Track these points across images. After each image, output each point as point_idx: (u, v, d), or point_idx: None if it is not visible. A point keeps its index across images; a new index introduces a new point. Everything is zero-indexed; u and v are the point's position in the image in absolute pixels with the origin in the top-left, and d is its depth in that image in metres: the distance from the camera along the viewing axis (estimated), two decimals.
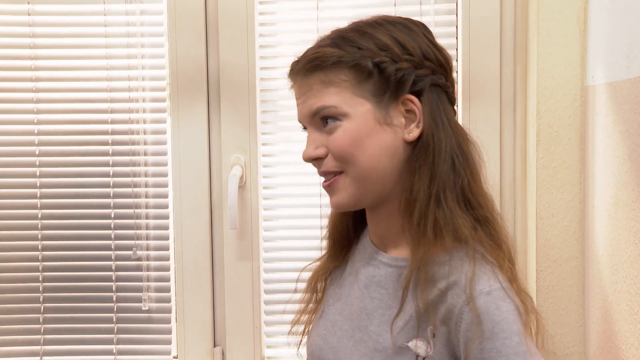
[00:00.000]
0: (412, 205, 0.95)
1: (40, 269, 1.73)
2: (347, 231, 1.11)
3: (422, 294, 0.93)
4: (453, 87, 1.01)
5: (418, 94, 0.96)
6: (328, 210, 1.65)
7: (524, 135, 1.61)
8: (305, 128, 1.03)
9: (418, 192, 0.95)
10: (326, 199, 1.65)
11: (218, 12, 1.69)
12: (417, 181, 0.95)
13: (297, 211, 1.70)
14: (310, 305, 1.13)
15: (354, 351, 0.99)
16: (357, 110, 0.95)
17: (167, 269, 1.73)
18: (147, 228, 1.73)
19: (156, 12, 1.71)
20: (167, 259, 1.73)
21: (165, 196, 1.72)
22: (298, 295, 1.68)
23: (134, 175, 1.72)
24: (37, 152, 1.73)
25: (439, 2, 1.64)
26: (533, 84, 1.52)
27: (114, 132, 1.72)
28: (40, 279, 1.74)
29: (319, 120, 0.98)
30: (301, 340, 1.14)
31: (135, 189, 1.72)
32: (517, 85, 1.63)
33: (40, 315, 1.74)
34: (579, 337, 1.48)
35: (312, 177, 1.68)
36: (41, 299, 1.74)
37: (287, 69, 1.03)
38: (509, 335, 0.88)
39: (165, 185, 1.72)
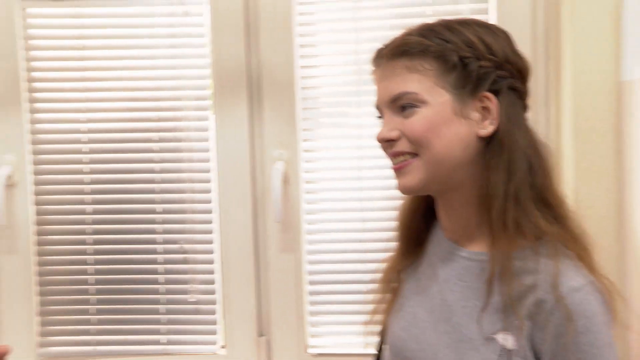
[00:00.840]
0: (490, 201, 0.99)
1: (92, 262, 1.80)
2: (418, 228, 1.13)
3: (508, 288, 0.96)
4: (528, 95, 1.06)
5: (495, 93, 1.01)
6: (368, 204, 1.73)
7: (557, 131, 1.66)
8: (380, 116, 1.06)
9: (495, 189, 0.98)
10: (365, 193, 1.73)
11: (258, 13, 1.75)
12: (494, 177, 0.99)
13: (338, 205, 1.76)
14: (384, 301, 1.15)
15: (439, 342, 1.02)
16: (436, 99, 0.99)
17: (212, 261, 1.79)
18: (193, 222, 1.79)
19: (198, 13, 1.77)
20: (212, 252, 1.79)
21: (210, 191, 1.78)
22: (343, 287, 1.75)
23: (179, 171, 1.78)
24: (86, 150, 1.79)
25: (472, 2, 1.70)
26: (568, 80, 1.56)
27: (159, 130, 1.78)
28: (92, 272, 1.80)
29: (398, 104, 1.02)
30: (378, 337, 1.18)
31: (180, 185, 1.78)
32: (549, 81, 1.68)
33: (93, 306, 1.81)
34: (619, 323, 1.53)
35: (352, 171, 1.74)
36: (93, 291, 1.81)
37: (372, 54, 1.06)
38: (600, 329, 0.94)
39: (209, 181, 1.78)
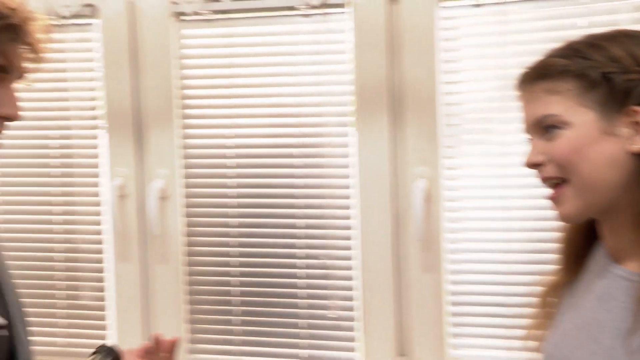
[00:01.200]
0: None
1: (237, 274, 1.86)
2: (580, 245, 1.10)
3: None
4: None
5: None
6: (513, 224, 1.66)
7: None
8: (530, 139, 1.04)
9: None
10: (509, 212, 1.66)
11: (401, 29, 1.74)
12: None
13: (481, 224, 1.71)
14: (542, 319, 1.12)
15: None
16: (579, 119, 0.96)
17: (351, 278, 1.79)
18: (333, 238, 1.80)
19: (341, 30, 1.78)
20: (351, 268, 1.79)
21: (350, 207, 1.79)
22: (486, 309, 1.70)
23: (321, 187, 1.80)
24: (232, 164, 1.86)
25: (632, 11, 1.59)
26: None
27: (302, 145, 1.81)
28: (237, 284, 1.87)
29: (541, 128, 0.99)
30: (533, 354, 1.14)
31: (321, 200, 1.80)
32: None
33: (237, 317, 1.87)
34: None
35: (496, 190, 1.69)
36: (237, 303, 1.87)
37: (516, 78, 1.04)
38: None
39: (350, 197, 1.79)
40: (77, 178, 1.96)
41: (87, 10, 1.91)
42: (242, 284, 1.86)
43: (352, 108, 1.78)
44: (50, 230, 1.97)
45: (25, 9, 0.98)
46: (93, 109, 1.94)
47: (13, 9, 0.96)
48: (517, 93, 1.04)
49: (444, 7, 1.71)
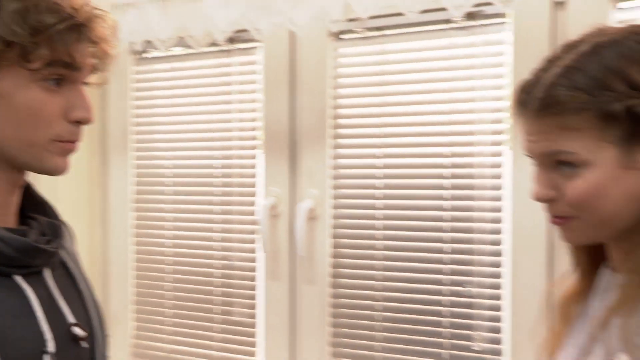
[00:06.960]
0: None
1: (380, 298, 1.78)
2: (591, 257, 1.00)
3: None
4: None
5: None
6: None
7: None
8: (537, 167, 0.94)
9: None
10: None
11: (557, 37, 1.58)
12: None
13: None
14: (556, 330, 1.04)
15: None
16: (599, 156, 0.86)
17: (499, 309, 1.64)
18: (481, 265, 1.66)
19: (499, 42, 1.66)
20: (499, 298, 1.64)
21: (500, 232, 1.64)
22: None
23: (470, 210, 1.67)
24: (380, 185, 1.79)
25: None
26: None
27: (453, 166, 1.70)
28: (380, 308, 1.78)
29: (553, 161, 0.89)
30: None
31: (471, 224, 1.67)
32: None
33: (379, 343, 1.78)
34: None
35: None
36: (380, 328, 1.78)
37: (512, 94, 0.94)
38: None
39: (501, 222, 1.64)
40: (235, 197, 2.01)
41: (250, 35, 1.94)
42: (385, 309, 1.77)
43: (506, 125, 1.64)
44: (209, 247, 2.03)
45: (89, 7, 0.97)
46: (253, 129, 1.98)
47: (76, 9, 0.94)
48: (515, 115, 0.93)
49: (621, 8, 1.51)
